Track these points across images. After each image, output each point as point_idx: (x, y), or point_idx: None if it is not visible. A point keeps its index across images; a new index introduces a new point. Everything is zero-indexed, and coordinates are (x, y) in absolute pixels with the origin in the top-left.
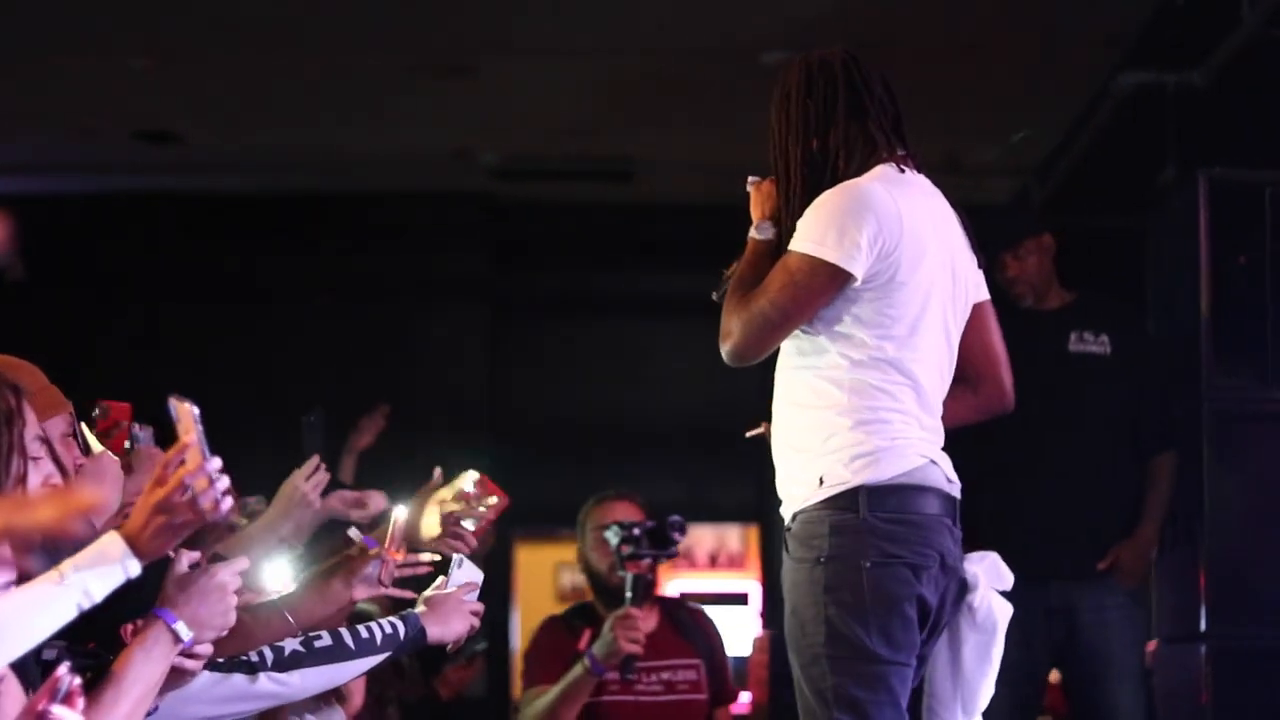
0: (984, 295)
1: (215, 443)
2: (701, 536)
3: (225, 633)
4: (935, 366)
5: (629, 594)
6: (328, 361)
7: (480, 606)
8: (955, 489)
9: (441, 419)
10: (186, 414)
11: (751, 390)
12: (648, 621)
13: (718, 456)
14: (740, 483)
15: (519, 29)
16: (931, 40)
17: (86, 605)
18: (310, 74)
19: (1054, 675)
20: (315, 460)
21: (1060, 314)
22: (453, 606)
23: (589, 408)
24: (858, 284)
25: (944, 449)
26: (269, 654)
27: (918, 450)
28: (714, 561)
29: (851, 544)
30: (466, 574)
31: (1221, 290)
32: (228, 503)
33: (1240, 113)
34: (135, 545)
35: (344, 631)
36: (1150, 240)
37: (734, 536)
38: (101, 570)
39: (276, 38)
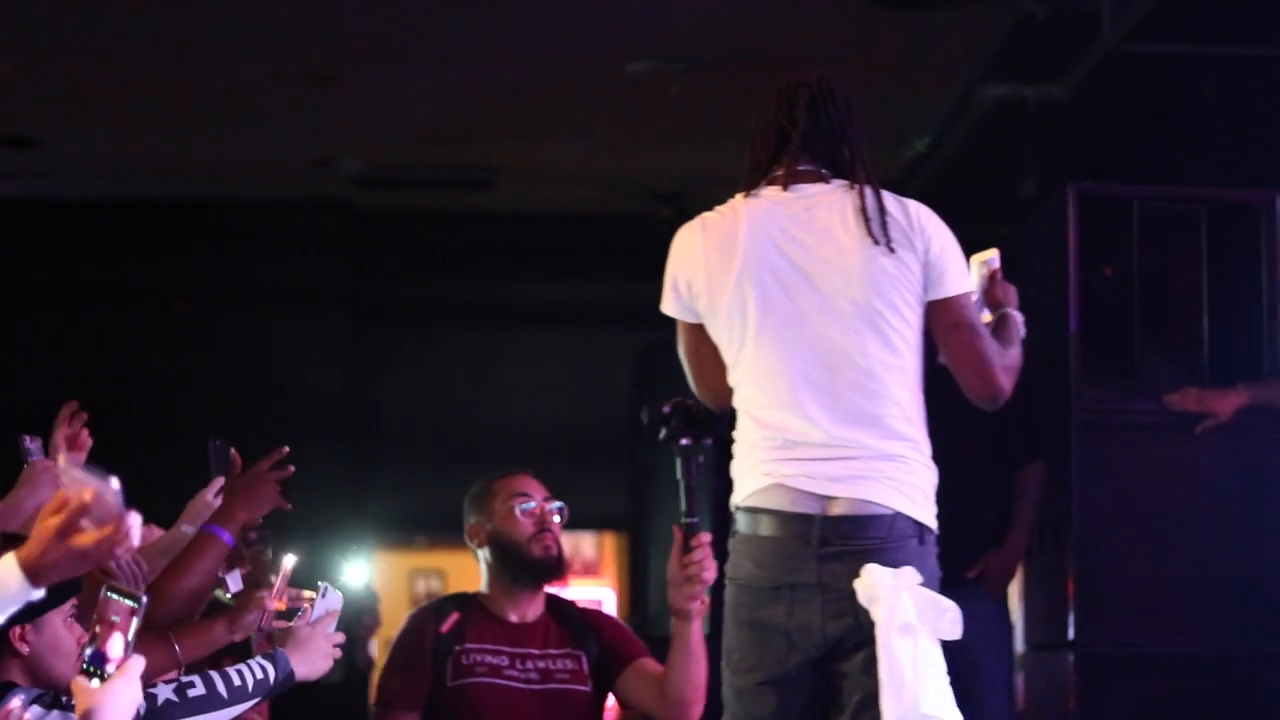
0: (931, 292)
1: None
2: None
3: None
4: (778, 383)
5: (680, 476)
6: (187, 368)
7: (341, 638)
8: (820, 506)
9: (300, 427)
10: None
11: (611, 399)
12: (535, 608)
13: (575, 464)
14: (597, 490)
15: (381, 37)
16: (793, 52)
17: None
18: (171, 81)
19: None
20: (221, 481)
21: None
22: (317, 644)
23: (448, 415)
24: (698, 321)
25: None
26: (143, 704)
27: (762, 471)
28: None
29: (729, 563)
30: (330, 602)
31: (1089, 302)
32: (135, 537)
33: (1100, 126)
34: (32, 572)
35: (216, 678)
36: (1018, 252)
37: (588, 544)
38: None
39: (137, 45)
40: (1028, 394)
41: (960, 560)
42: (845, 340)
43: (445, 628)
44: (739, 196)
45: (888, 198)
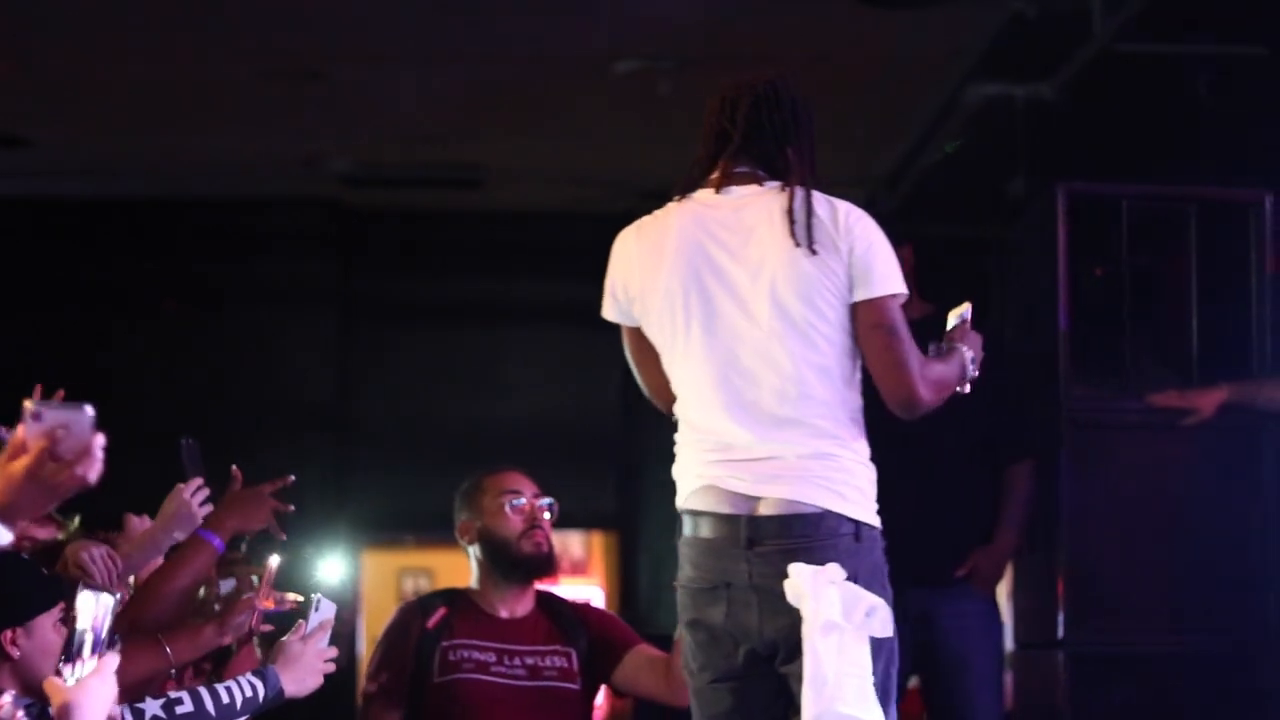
0: (855, 293)
1: None
2: None
3: None
4: (705, 386)
5: None
6: (175, 367)
7: (334, 652)
8: (749, 506)
9: (288, 426)
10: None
11: (602, 398)
12: (524, 605)
13: (564, 463)
14: (587, 489)
15: (369, 36)
16: (781, 51)
17: None
18: (161, 79)
19: (912, 682)
20: (199, 480)
21: (919, 325)
22: (308, 661)
23: (437, 415)
24: (636, 325)
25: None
26: (129, 716)
27: (696, 474)
28: None
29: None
30: (324, 613)
31: (1078, 301)
32: (97, 467)
33: (1090, 125)
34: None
35: (205, 695)
36: (1008, 251)
37: (577, 543)
38: None
39: (127, 43)
40: (1017, 393)
41: (950, 559)
42: (768, 343)
43: (432, 623)
44: (673, 200)
45: (818, 200)
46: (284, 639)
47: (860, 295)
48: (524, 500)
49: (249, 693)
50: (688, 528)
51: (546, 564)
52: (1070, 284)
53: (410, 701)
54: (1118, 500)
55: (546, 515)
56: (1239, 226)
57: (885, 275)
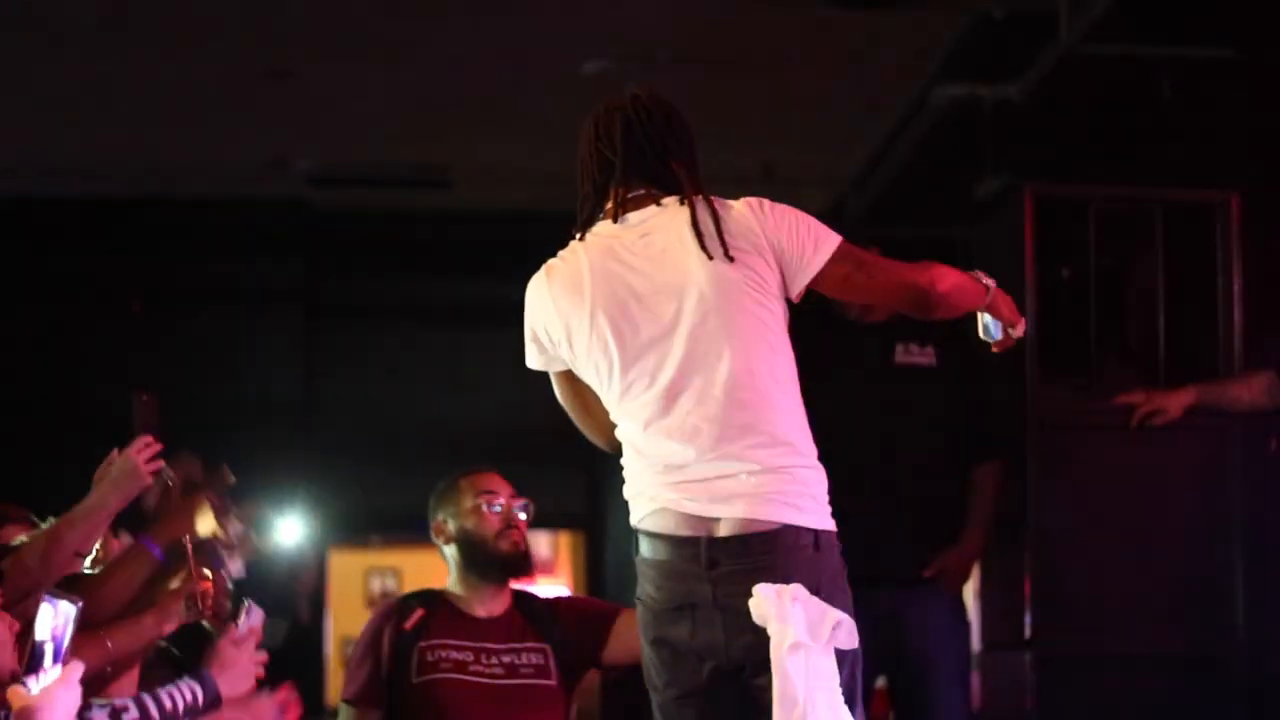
0: (802, 277)
1: (25, 451)
2: None
3: None
4: (648, 413)
5: None
6: (141, 367)
7: (264, 657)
8: (706, 528)
9: (255, 427)
10: None
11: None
12: (500, 604)
13: (530, 463)
14: (553, 489)
15: (336, 36)
16: (749, 52)
17: None
18: (125, 79)
19: (879, 682)
20: (146, 438)
21: (886, 326)
22: (241, 666)
23: (404, 415)
24: (567, 369)
25: None
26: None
27: (649, 496)
28: None
29: (638, 582)
30: (253, 619)
31: (1046, 302)
32: None
33: (1057, 126)
34: None
35: (148, 700)
36: (975, 251)
37: (543, 542)
38: None
39: (91, 42)
40: (984, 393)
41: (917, 559)
42: (705, 360)
43: (409, 624)
44: (575, 239)
45: (720, 207)
46: (217, 643)
47: (813, 270)
48: (501, 502)
49: (189, 698)
50: (645, 549)
51: (523, 563)
52: (1037, 285)
53: (389, 703)
54: (1085, 501)
55: (522, 515)
56: (1206, 227)
57: (821, 237)
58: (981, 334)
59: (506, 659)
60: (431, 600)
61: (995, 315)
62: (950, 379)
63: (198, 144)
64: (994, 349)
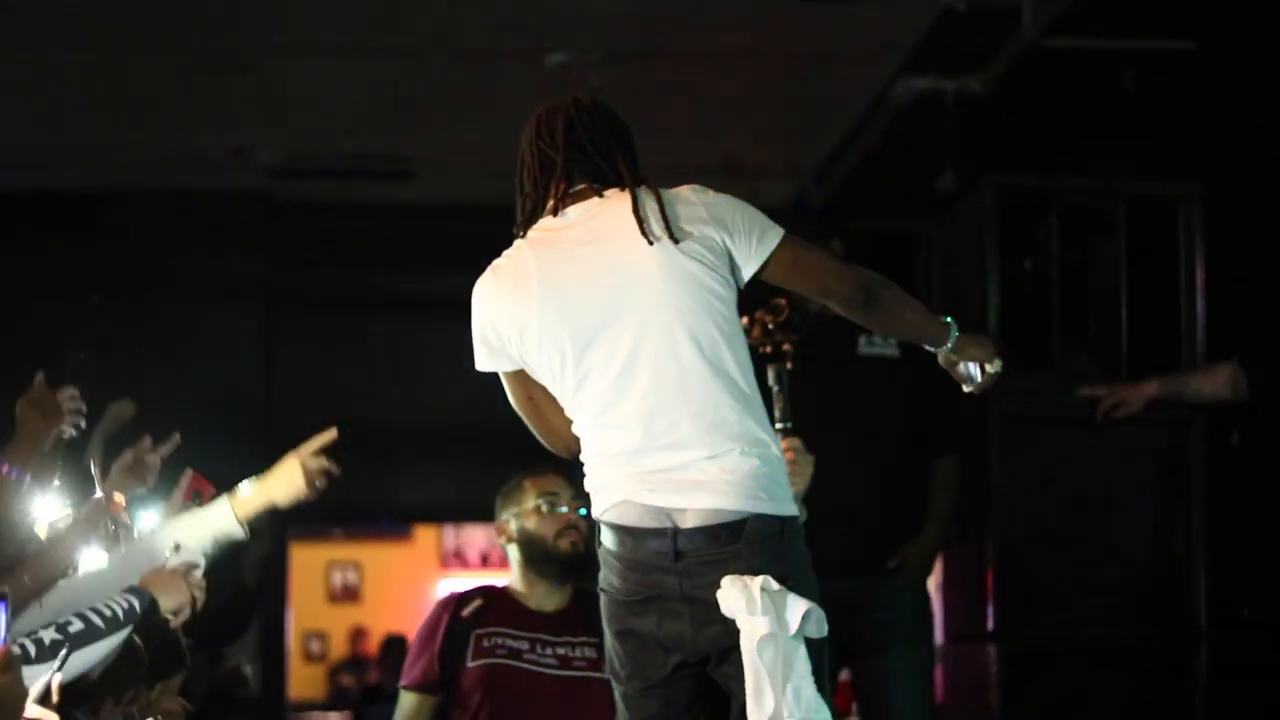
0: (750, 265)
1: None
2: (473, 536)
3: None
4: (607, 404)
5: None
6: (102, 359)
7: (197, 576)
8: (674, 519)
9: (216, 419)
10: None
11: None
12: (559, 600)
13: (493, 457)
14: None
15: (299, 27)
16: (709, 43)
17: None
18: (85, 70)
19: (843, 675)
20: (74, 392)
21: (846, 320)
22: (176, 583)
23: (365, 408)
24: (518, 368)
25: None
26: (31, 647)
27: (611, 488)
28: (485, 561)
29: (600, 572)
30: (183, 556)
31: (1008, 294)
32: None
33: (1020, 119)
34: None
35: (90, 613)
36: (938, 245)
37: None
38: None
39: (52, 34)
40: (945, 385)
41: (880, 550)
42: (661, 347)
43: (467, 612)
44: (518, 237)
45: (664, 194)
46: (147, 573)
47: (760, 257)
48: (563, 506)
49: (126, 605)
50: (609, 540)
51: (581, 562)
52: (1000, 277)
53: (444, 686)
54: (1047, 493)
55: (583, 514)
56: (1168, 220)
57: (767, 227)
58: (965, 388)
59: (561, 651)
60: (492, 593)
61: (963, 356)
62: (914, 370)
63: (159, 136)
64: (975, 394)
